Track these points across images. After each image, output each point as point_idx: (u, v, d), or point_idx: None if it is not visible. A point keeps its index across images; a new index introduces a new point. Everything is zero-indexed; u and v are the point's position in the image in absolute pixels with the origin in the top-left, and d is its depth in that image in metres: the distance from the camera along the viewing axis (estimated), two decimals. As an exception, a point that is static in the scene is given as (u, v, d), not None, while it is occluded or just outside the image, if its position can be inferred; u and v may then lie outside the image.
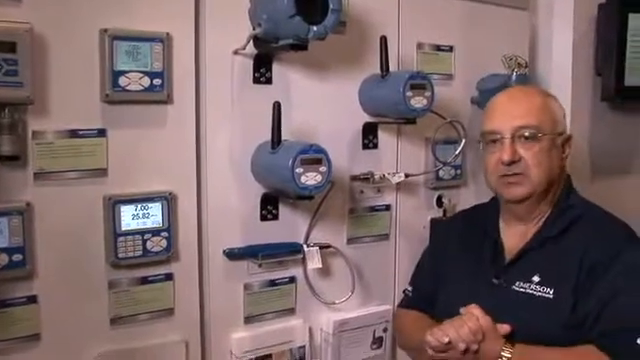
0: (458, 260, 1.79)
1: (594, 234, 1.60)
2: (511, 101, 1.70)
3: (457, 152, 2.14)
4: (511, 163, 1.62)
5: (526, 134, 1.62)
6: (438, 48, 2.22)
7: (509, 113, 1.66)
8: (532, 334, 1.54)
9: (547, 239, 1.64)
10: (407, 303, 1.96)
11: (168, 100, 1.69)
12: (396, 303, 2.14)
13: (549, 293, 1.56)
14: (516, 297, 1.61)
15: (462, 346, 1.55)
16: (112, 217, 1.62)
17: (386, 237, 2.17)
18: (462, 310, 1.61)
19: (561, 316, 1.53)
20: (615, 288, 1.51)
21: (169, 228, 1.70)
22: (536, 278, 1.60)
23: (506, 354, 1.54)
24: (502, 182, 1.66)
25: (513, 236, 1.71)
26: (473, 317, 1.57)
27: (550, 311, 1.55)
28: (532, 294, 1.59)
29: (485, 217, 1.80)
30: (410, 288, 1.96)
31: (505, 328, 1.57)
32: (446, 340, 1.56)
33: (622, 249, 1.56)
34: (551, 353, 1.52)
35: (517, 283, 1.62)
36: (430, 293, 1.84)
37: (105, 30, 1.58)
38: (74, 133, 1.58)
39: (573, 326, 1.52)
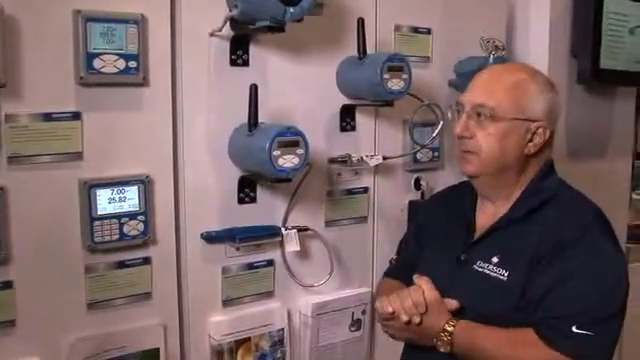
0: (437, 234, 1.80)
1: (555, 219, 1.59)
2: (486, 78, 1.67)
3: (434, 134, 2.14)
4: (461, 137, 1.62)
5: (481, 113, 1.59)
6: (416, 30, 2.21)
7: (477, 89, 1.64)
8: (483, 313, 1.56)
9: (513, 221, 1.63)
10: (389, 271, 1.96)
11: (144, 82, 1.68)
12: (374, 286, 2.15)
13: (504, 275, 1.57)
14: (474, 276, 1.62)
15: (404, 317, 1.58)
16: (88, 201, 1.61)
17: (364, 220, 2.17)
18: (415, 279, 1.64)
19: (512, 298, 1.54)
20: (562, 274, 1.51)
21: (146, 212, 1.70)
22: (495, 259, 1.60)
23: (449, 328, 1.56)
24: (459, 156, 1.66)
25: (485, 216, 1.71)
26: (419, 290, 1.60)
27: (502, 292, 1.56)
28: (488, 274, 1.59)
29: (465, 195, 1.80)
30: (395, 257, 1.97)
31: (452, 304, 1.59)
32: (390, 310, 1.59)
33: (579, 236, 1.55)
34: (490, 332, 1.54)
35: (478, 262, 1.62)
36: (413, 263, 1.84)
37: (78, 11, 1.55)
38: (48, 116, 1.56)
39: (523, 308, 1.53)
